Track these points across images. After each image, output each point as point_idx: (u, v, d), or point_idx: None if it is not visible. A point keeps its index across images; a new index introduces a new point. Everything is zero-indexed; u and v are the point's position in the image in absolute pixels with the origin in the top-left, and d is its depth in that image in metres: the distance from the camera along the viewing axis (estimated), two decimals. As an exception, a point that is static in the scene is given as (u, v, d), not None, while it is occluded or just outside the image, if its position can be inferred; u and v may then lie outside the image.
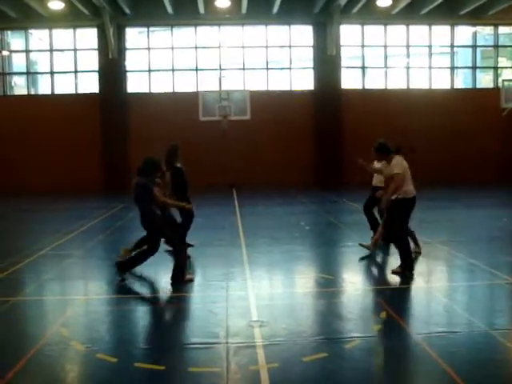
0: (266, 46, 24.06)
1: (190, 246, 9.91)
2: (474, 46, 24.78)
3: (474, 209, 15.17)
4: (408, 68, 24.58)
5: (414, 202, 7.89)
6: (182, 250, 7.63)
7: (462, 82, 25.94)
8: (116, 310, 6.43)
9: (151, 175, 7.53)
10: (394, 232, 7.89)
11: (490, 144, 23.53)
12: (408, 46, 24.42)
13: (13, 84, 25.09)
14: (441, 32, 24.56)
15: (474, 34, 24.79)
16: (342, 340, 5.15)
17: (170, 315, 6.23)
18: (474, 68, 24.90)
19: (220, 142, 22.61)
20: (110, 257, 9.49)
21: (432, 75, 24.57)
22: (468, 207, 15.53)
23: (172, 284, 7.20)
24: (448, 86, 24.70)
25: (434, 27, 24.31)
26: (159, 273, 8.38)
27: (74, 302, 6.73)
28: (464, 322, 5.65)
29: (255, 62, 24.45)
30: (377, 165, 8.99)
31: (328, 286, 7.21)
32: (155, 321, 5.99)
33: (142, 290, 7.42)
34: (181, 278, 7.27)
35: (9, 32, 24.39)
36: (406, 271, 7.58)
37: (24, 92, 24.58)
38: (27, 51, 24.16)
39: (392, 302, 6.50)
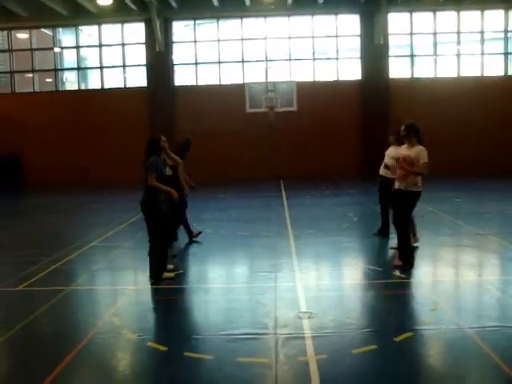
0: (313, 37, 23.85)
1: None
2: (529, 31, 23.91)
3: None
4: (459, 55, 23.90)
5: None
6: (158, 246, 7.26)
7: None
8: (165, 300, 6.53)
9: (155, 155, 7.19)
10: (401, 223, 7.58)
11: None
12: (459, 33, 23.74)
13: (64, 79, 25.76)
14: (494, 17, 23.73)
15: (530, 18, 23.90)
16: (392, 333, 5.07)
17: (219, 305, 6.27)
18: (528, 54, 24.04)
19: (267, 133, 22.62)
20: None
21: (484, 62, 23.82)
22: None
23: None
24: (501, 73, 23.90)
25: (486, 12, 23.53)
26: (207, 263, 8.46)
27: (124, 291, 6.86)
28: (519, 316, 5.49)
29: (301, 53, 24.28)
30: (392, 151, 8.60)
31: (376, 278, 7.11)
32: (204, 311, 6.05)
33: (191, 280, 7.49)
34: (156, 273, 7.16)
35: (60, 29, 25.00)
36: (407, 266, 7.37)
37: (75, 87, 25.18)
38: (77, 47, 24.74)
39: (443, 294, 6.37)
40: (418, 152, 7.43)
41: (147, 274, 7.39)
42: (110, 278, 7.85)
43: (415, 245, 8.48)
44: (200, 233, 9.89)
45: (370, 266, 7.78)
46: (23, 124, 23.79)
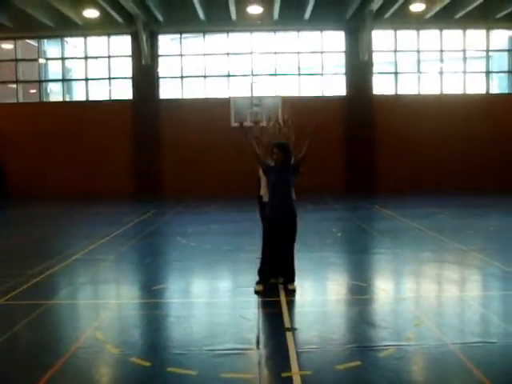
0: (298, 52, 24.04)
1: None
2: (511, 50, 24.29)
3: (511, 215, 14.85)
4: (441, 73, 24.25)
5: None
6: None
7: (497, 86, 25.47)
8: (149, 315, 6.47)
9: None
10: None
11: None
12: (441, 51, 24.10)
13: (49, 91, 25.60)
14: (475, 36, 24.14)
15: (511, 38, 24.31)
16: (376, 348, 5.08)
17: (203, 320, 6.24)
18: (510, 72, 24.42)
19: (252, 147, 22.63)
20: (142, 261, 9.60)
21: (466, 80, 24.17)
22: (505, 214, 15.21)
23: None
24: (483, 91, 24.28)
25: (468, 31, 23.92)
26: (190, 278, 8.43)
27: (107, 305, 6.80)
28: (501, 332, 5.52)
29: (287, 68, 24.44)
30: None
31: (361, 294, 7.14)
32: (188, 325, 6.01)
33: (174, 294, 7.45)
34: None
35: (45, 40, 24.92)
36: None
37: (59, 98, 25.05)
38: (63, 59, 24.64)
39: (426, 310, 6.40)
40: None
41: (131, 287, 7.34)
42: (93, 292, 7.76)
43: None
44: None
45: (354, 281, 7.81)
46: (6, 135, 23.56)
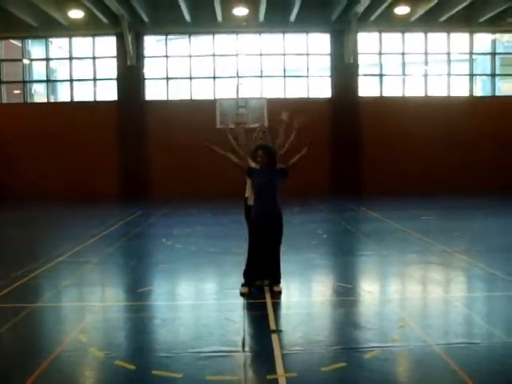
0: (284, 54, 24.06)
1: None
2: (493, 54, 24.56)
3: (495, 217, 14.99)
4: (426, 75, 24.43)
5: None
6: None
7: (480, 89, 25.73)
8: (135, 317, 6.45)
9: None
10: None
11: (509, 151, 23.30)
12: (426, 54, 24.29)
13: (33, 91, 25.38)
14: (459, 39, 24.38)
15: (493, 42, 24.58)
16: (361, 350, 5.10)
17: (188, 322, 6.22)
18: (493, 75, 24.68)
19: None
20: (127, 263, 9.56)
21: (450, 83, 24.39)
22: (489, 215, 15.34)
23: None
24: (467, 94, 24.50)
25: (452, 34, 24.14)
26: (176, 280, 8.41)
27: (92, 308, 6.76)
28: (485, 333, 5.58)
29: (272, 70, 24.48)
30: None
31: (346, 295, 7.17)
32: (173, 328, 5.99)
33: (160, 297, 7.42)
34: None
35: (29, 41, 24.71)
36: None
37: (44, 99, 24.85)
38: (47, 59, 24.43)
39: (411, 311, 6.44)
40: None
41: (116, 289, 7.30)
42: (78, 294, 7.71)
43: None
44: None
45: (340, 283, 7.83)
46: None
